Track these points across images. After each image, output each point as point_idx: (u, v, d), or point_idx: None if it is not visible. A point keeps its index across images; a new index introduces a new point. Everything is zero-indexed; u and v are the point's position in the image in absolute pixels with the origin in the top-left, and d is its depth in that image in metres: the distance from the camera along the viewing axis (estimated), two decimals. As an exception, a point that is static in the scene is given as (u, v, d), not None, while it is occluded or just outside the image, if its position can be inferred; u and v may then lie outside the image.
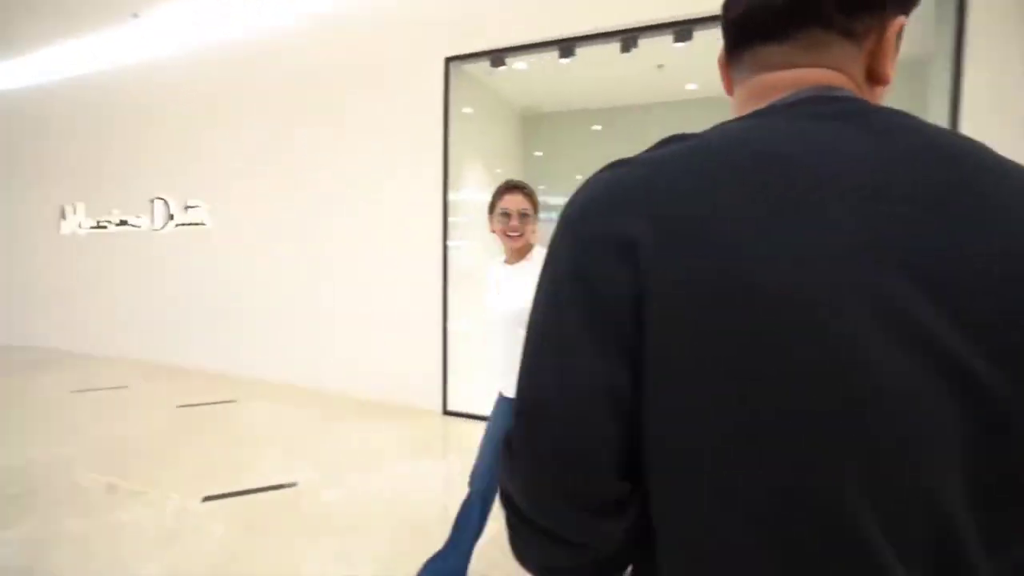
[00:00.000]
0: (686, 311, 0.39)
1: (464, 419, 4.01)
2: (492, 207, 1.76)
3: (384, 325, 4.32)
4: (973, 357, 0.35)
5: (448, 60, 3.99)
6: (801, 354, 0.36)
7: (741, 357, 0.37)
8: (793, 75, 0.47)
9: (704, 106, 5.43)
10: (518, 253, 1.75)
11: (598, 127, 6.16)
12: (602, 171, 0.49)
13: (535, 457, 0.44)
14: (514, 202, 1.69)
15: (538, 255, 1.71)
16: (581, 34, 3.73)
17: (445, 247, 4.08)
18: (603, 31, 3.69)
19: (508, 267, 1.78)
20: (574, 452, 0.43)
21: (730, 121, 0.47)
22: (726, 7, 0.52)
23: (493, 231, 1.77)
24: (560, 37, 3.78)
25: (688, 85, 5.19)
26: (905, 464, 0.35)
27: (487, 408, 1.96)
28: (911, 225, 0.37)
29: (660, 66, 4.49)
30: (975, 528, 0.36)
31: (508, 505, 0.47)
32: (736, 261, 0.38)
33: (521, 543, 0.48)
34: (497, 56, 3.99)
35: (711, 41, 3.64)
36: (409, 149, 4.17)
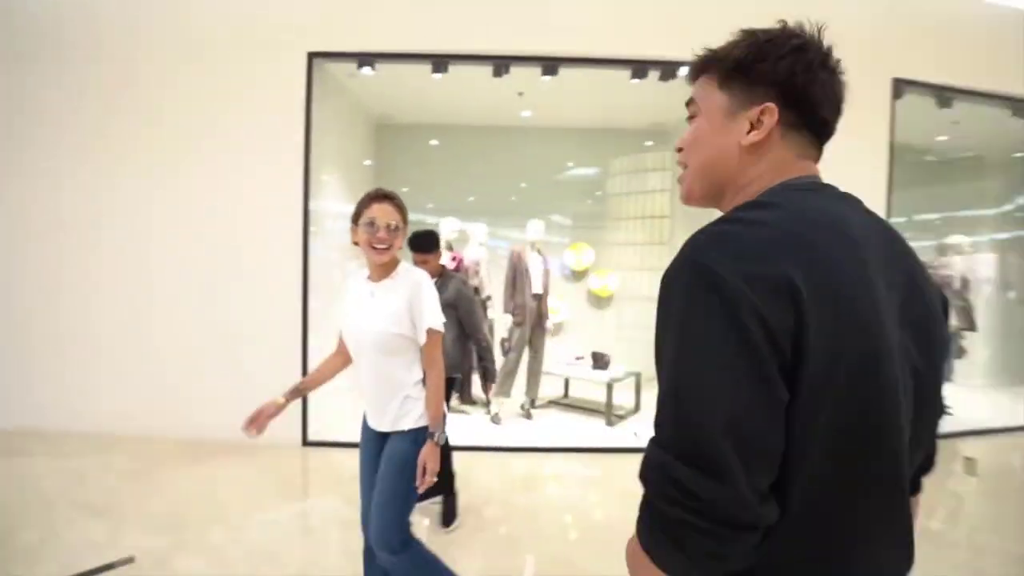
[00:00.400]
0: (832, 345, 0.53)
1: (328, 449, 3.64)
2: (356, 217, 1.59)
3: (228, 348, 3.68)
4: (924, 367, 0.63)
5: (312, 56, 3.65)
6: (888, 385, 0.58)
7: (863, 385, 0.56)
8: (808, 164, 0.68)
9: (529, 133, 5.92)
10: (383, 269, 1.58)
11: (435, 142, 6.20)
12: (724, 224, 0.60)
13: (742, 465, 0.51)
14: (383, 212, 1.53)
15: (404, 273, 1.59)
16: (457, 52, 3.78)
17: (306, 260, 3.69)
18: (480, 53, 3.80)
19: (372, 284, 1.61)
20: (768, 452, 0.53)
21: (788, 192, 0.64)
22: (819, 104, 0.67)
23: (356, 243, 1.59)
24: (437, 52, 3.77)
25: (523, 112, 5.52)
26: (913, 433, 0.61)
27: (354, 433, 1.79)
28: (903, 289, 0.62)
29: (520, 94, 4.78)
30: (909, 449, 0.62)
31: (699, 511, 0.51)
32: (858, 315, 0.56)
33: (699, 544, 0.53)
34: (366, 59, 3.79)
35: (576, 76, 4.08)
36: (262, 150, 3.68)
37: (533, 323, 4.37)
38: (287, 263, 3.67)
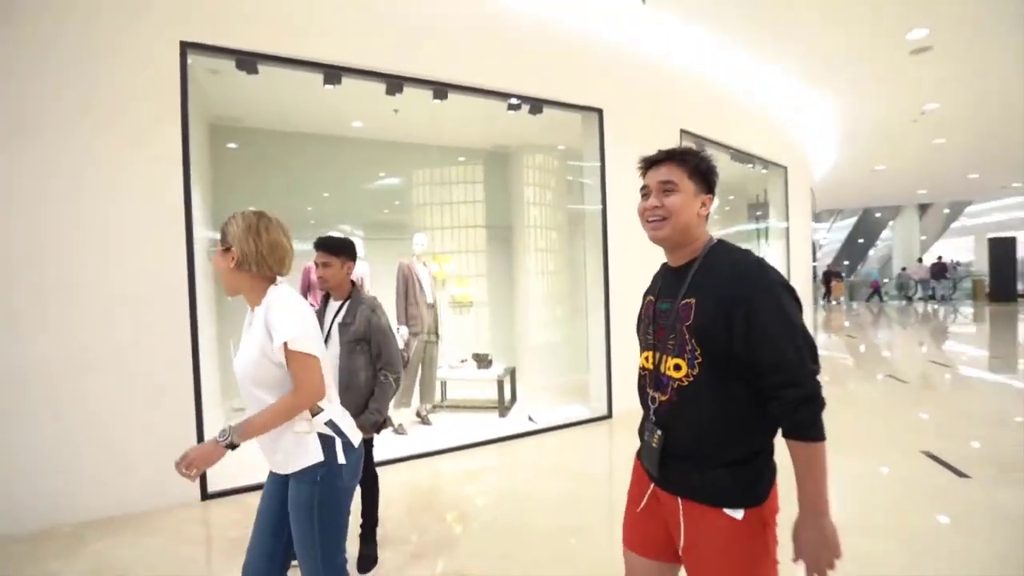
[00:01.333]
0: None
1: (231, 498, 3.22)
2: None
3: (97, 395, 2.91)
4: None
5: (184, 45, 3.13)
6: None
7: None
8: None
9: (355, 143, 5.89)
10: (253, 297, 1.43)
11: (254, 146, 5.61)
12: (754, 256, 1.16)
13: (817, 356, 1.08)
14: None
15: (269, 294, 1.39)
16: (349, 65, 3.73)
17: (192, 276, 3.16)
18: (374, 70, 3.82)
19: (251, 314, 1.44)
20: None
21: (723, 241, 1.21)
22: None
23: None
24: (329, 63, 3.65)
25: (354, 123, 5.52)
26: None
27: (262, 474, 1.59)
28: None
29: (396, 111, 4.83)
30: None
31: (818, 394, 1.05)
32: None
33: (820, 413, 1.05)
34: (249, 60, 3.42)
35: (462, 100, 4.39)
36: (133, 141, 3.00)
37: (428, 332, 4.56)
38: (167, 283, 3.09)
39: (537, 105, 4.60)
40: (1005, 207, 19.13)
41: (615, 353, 4.81)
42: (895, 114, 8.05)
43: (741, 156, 6.86)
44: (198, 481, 3.15)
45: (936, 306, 16.78)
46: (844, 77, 6.57)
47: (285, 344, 1.32)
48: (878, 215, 21.91)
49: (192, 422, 3.13)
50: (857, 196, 17.95)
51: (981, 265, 18.08)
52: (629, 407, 4.87)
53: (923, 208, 20.85)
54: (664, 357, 1.20)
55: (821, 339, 9.61)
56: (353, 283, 2.30)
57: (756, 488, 1.12)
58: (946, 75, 6.49)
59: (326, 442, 1.41)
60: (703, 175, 1.20)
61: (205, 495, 3.18)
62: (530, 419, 4.65)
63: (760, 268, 1.12)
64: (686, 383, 1.15)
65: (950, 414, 4.79)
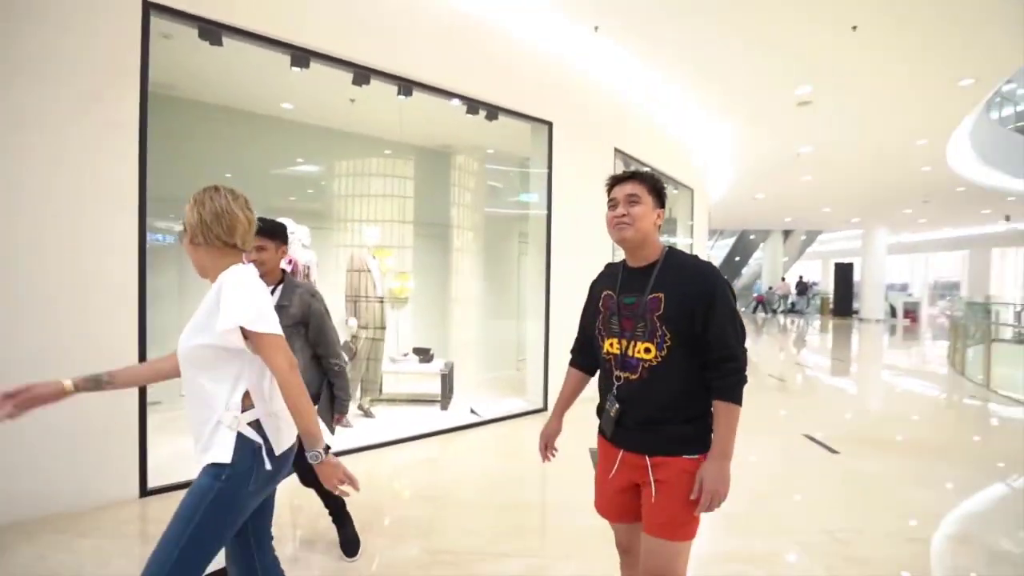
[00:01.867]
0: None
1: (173, 495, 3.03)
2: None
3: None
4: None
5: (148, 5, 2.91)
6: None
7: None
8: None
9: (284, 124, 5.61)
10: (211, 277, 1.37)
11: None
12: (707, 263, 1.46)
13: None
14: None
15: (228, 276, 1.28)
16: (320, 51, 3.67)
17: (143, 258, 2.94)
18: (343, 58, 3.79)
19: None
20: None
21: (673, 248, 1.49)
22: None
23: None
24: (301, 45, 3.57)
25: (284, 104, 5.32)
26: None
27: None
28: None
29: (352, 100, 4.74)
30: None
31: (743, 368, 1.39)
32: None
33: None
34: (214, 30, 3.25)
35: (425, 98, 4.44)
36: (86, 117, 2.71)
37: (375, 326, 4.56)
38: (118, 265, 2.85)
39: (494, 112, 4.81)
40: (847, 237, 22.83)
41: (552, 351, 5.16)
42: (778, 152, 9.40)
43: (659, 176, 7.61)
44: (136, 477, 2.93)
45: (796, 319, 19.60)
46: (745, 115, 7.59)
47: (242, 328, 1.22)
48: (752, 237, 24.93)
49: (135, 417, 2.90)
50: (739, 219, 20.32)
51: (826, 285, 21.41)
52: (563, 401, 5.25)
53: (786, 233, 24.15)
54: (632, 343, 1.43)
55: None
56: (283, 270, 2.23)
57: (707, 436, 1.42)
58: (820, 125, 7.77)
59: (242, 443, 1.27)
60: (658, 192, 1.49)
61: (145, 491, 2.97)
62: (472, 411, 4.83)
63: (714, 270, 1.45)
64: (655, 363, 1.40)
65: (819, 404, 5.80)
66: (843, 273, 19.28)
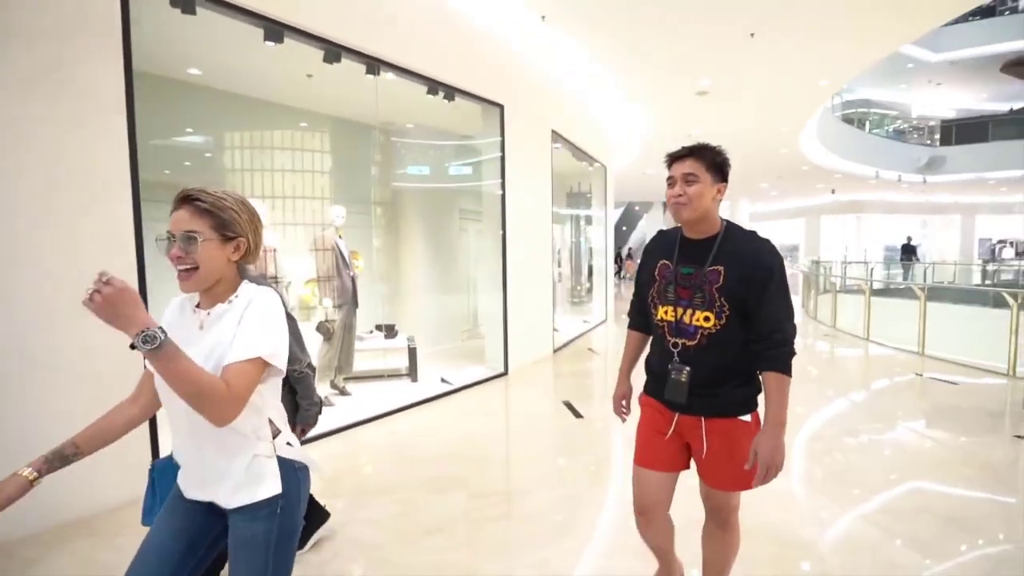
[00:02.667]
0: None
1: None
2: None
3: (36, 397, 2.39)
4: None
5: (124, -29, 2.68)
6: None
7: None
8: None
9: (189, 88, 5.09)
10: (211, 294, 1.15)
11: None
12: (767, 240, 1.47)
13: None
14: (176, 221, 1.10)
15: (244, 295, 1.14)
16: (294, 25, 3.59)
17: (141, 258, 2.78)
18: (316, 34, 3.73)
19: (200, 314, 1.15)
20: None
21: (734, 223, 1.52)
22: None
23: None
24: (272, 16, 3.46)
25: (191, 69, 4.87)
26: None
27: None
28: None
29: (309, 75, 4.55)
30: None
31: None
32: None
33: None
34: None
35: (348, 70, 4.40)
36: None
37: (350, 303, 4.62)
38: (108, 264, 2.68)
39: (451, 93, 4.96)
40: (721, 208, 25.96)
41: (511, 319, 5.59)
42: (673, 132, 10.56)
43: (580, 154, 8.24)
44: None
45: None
46: (653, 99, 8.46)
47: (260, 356, 1.07)
48: (637, 208, 27.24)
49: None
50: (628, 192, 22.12)
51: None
52: (520, 364, 5.75)
53: (664, 205, 26.79)
54: (690, 311, 1.46)
55: (622, 306, 12.05)
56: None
57: (754, 399, 1.50)
58: (712, 112, 8.92)
59: (286, 468, 1.17)
60: (719, 167, 1.45)
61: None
62: (443, 380, 5.12)
63: (773, 248, 1.46)
64: (714, 331, 1.44)
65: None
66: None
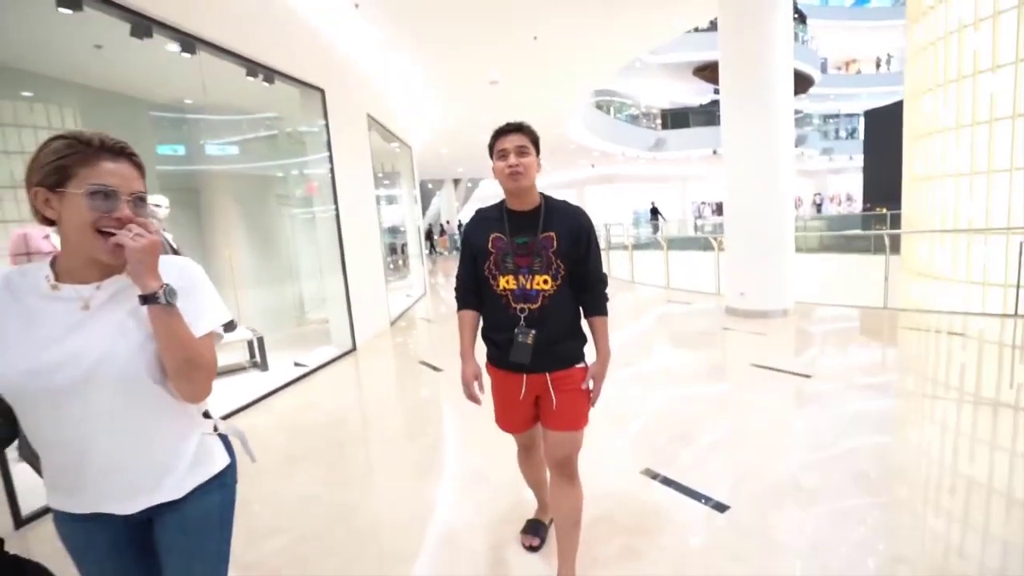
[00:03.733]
0: None
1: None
2: (61, 179, 0.92)
3: None
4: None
5: None
6: None
7: None
8: None
9: None
10: (104, 267, 0.97)
11: None
12: (574, 204, 1.69)
13: None
14: (120, 177, 0.94)
15: (170, 265, 1.01)
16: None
17: None
18: (121, 4, 3.42)
19: (81, 289, 0.96)
20: None
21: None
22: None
23: (51, 222, 0.95)
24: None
25: None
26: None
27: None
28: None
29: (99, 46, 3.88)
30: None
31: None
32: None
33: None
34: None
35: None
36: None
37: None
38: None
39: (270, 75, 4.86)
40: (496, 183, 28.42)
41: (352, 298, 5.82)
42: (467, 118, 11.52)
43: (389, 135, 8.55)
44: (7, 510, 2.54)
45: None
46: (453, 89, 9.19)
47: (216, 329, 1.05)
48: (430, 185, 28.06)
49: None
50: (427, 171, 22.73)
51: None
52: (365, 339, 6.05)
53: (456, 182, 28.22)
54: (531, 276, 1.57)
55: (437, 280, 12.75)
56: None
57: (583, 348, 1.68)
58: (500, 99, 10.08)
59: (224, 440, 1.16)
60: (536, 143, 1.61)
61: (20, 523, 2.59)
62: (297, 364, 5.15)
63: (584, 211, 1.65)
64: (552, 292, 1.58)
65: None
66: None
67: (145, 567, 1.08)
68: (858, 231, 14.83)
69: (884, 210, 13.67)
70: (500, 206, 1.67)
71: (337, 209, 5.67)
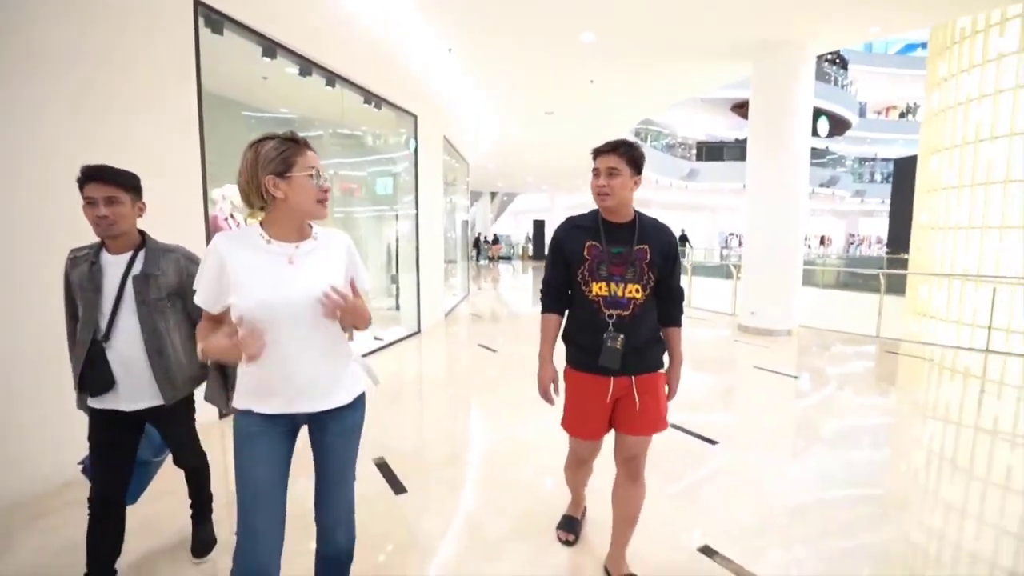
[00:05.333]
0: None
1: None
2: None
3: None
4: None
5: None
6: None
7: None
8: None
9: None
10: (303, 230, 1.35)
11: None
12: (662, 221, 1.80)
13: None
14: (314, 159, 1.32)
15: (328, 235, 1.41)
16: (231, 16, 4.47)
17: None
18: (257, 30, 4.63)
19: (288, 247, 1.30)
20: None
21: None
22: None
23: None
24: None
25: None
26: None
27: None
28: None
29: (265, 78, 5.15)
30: None
31: None
32: None
33: None
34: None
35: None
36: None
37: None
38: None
39: (379, 103, 6.09)
40: (540, 199, 29.66)
41: (422, 290, 6.98)
42: (519, 140, 12.72)
43: (455, 153, 9.77)
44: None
45: (508, 264, 25.03)
46: (514, 115, 10.40)
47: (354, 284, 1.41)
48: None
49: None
50: (471, 183, 24.16)
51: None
52: (427, 325, 7.18)
53: (493, 195, 29.57)
54: (623, 285, 1.65)
55: (477, 283, 13.92)
56: (142, 231, 1.79)
57: (663, 354, 1.80)
58: (555, 127, 11.22)
59: (362, 369, 1.52)
60: (635, 162, 1.63)
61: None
62: (376, 338, 6.31)
63: (671, 230, 1.74)
64: (641, 301, 1.66)
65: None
66: (538, 227, 25.48)
67: (285, 453, 1.37)
68: (858, 269, 16.12)
69: (905, 254, 14.33)
70: (595, 216, 1.74)
71: (417, 215, 6.85)
